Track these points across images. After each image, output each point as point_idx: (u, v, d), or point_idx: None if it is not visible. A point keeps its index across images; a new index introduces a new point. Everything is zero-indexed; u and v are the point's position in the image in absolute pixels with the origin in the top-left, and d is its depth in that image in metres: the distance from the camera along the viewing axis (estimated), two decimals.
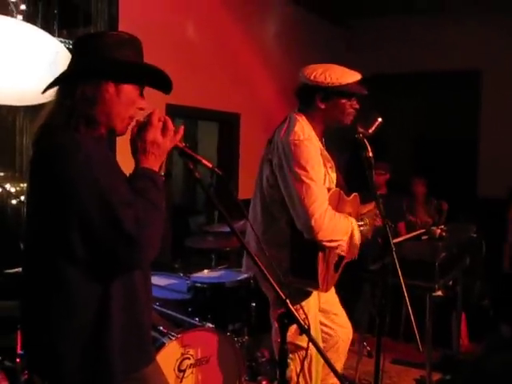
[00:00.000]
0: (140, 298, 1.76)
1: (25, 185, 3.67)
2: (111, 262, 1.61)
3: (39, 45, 2.97)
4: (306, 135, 2.64)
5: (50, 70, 2.81)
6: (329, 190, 2.68)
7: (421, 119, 7.39)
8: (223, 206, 1.80)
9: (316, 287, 2.66)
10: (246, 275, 3.37)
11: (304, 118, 2.74)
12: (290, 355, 2.73)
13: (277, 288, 1.73)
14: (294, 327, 2.56)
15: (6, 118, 3.98)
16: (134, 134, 1.73)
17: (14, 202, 3.99)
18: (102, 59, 1.69)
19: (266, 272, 1.75)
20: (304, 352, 2.65)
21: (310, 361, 2.76)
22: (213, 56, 5.54)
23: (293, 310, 1.71)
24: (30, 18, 3.70)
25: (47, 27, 3.77)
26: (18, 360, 3.08)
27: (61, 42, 3.30)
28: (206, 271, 3.64)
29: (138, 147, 1.70)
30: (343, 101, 2.71)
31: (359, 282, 4.08)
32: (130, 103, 1.73)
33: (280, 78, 6.34)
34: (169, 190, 5.08)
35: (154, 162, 1.70)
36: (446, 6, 6.70)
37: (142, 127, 1.71)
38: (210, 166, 1.79)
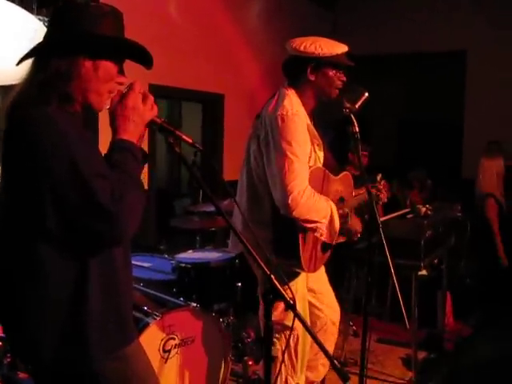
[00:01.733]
0: (120, 276, 1.71)
1: None
2: (87, 239, 1.55)
3: (17, 22, 2.89)
4: (295, 110, 2.59)
5: (28, 47, 2.74)
6: (310, 167, 2.64)
7: (405, 101, 7.38)
8: (207, 185, 1.77)
9: (300, 268, 2.63)
10: (231, 255, 3.35)
11: (294, 92, 2.70)
12: (277, 335, 2.71)
13: (261, 264, 1.70)
14: (281, 306, 2.56)
15: None
16: (115, 101, 1.67)
17: None
18: (78, 33, 1.61)
19: (251, 249, 1.71)
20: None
21: (297, 340, 2.74)
22: (197, 36, 5.47)
23: (278, 285, 1.68)
24: None
25: (25, 6, 3.68)
26: None
27: (39, 20, 3.22)
28: (190, 251, 3.61)
29: (118, 113, 1.65)
30: (332, 72, 2.69)
31: (345, 262, 4.08)
32: (108, 79, 1.67)
33: (264, 59, 6.29)
34: (152, 172, 5.04)
35: (134, 132, 1.66)
36: None
37: (124, 95, 1.66)
38: (190, 141, 1.74)
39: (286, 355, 2.71)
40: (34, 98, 1.55)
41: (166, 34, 5.01)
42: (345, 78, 2.73)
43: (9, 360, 3.05)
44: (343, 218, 2.74)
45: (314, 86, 2.71)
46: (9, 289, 1.64)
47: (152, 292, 3.05)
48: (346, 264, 4.13)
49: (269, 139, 2.60)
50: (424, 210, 3.66)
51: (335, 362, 1.76)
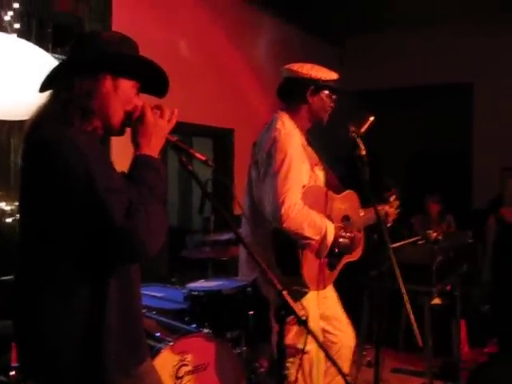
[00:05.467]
0: (135, 299, 1.76)
1: None
2: (103, 254, 1.57)
3: (33, 59, 2.99)
4: (287, 130, 2.71)
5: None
6: (303, 186, 2.67)
7: (414, 134, 7.43)
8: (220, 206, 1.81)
9: (305, 285, 2.63)
10: (243, 283, 3.34)
11: (287, 115, 2.82)
12: (291, 359, 2.70)
13: (274, 280, 1.71)
14: (294, 330, 2.56)
15: None
16: (135, 118, 1.72)
17: (9, 220, 3.97)
18: (100, 51, 1.69)
19: (265, 267, 1.73)
20: (305, 355, 2.63)
21: (311, 363, 2.73)
22: (207, 73, 5.58)
23: (290, 300, 1.70)
24: (23, 36, 3.72)
25: (41, 45, 3.79)
26: (12, 373, 3.04)
27: (55, 58, 3.32)
28: (202, 281, 3.61)
29: (140, 130, 1.70)
30: (327, 97, 2.83)
31: (357, 291, 4.06)
32: (127, 100, 1.73)
33: (273, 94, 6.34)
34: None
35: (155, 146, 1.70)
36: (436, 20, 6.77)
37: (142, 113, 1.72)
38: (204, 158, 1.79)
39: (301, 380, 2.69)
40: (55, 118, 1.60)
41: (177, 71, 5.08)
42: (333, 105, 2.87)
43: None
44: (345, 238, 2.76)
45: (309, 108, 2.83)
46: (27, 307, 1.66)
47: (164, 319, 3.05)
48: (359, 293, 4.11)
49: (264, 161, 2.68)
50: (434, 235, 3.66)
51: (348, 379, 1.77)
